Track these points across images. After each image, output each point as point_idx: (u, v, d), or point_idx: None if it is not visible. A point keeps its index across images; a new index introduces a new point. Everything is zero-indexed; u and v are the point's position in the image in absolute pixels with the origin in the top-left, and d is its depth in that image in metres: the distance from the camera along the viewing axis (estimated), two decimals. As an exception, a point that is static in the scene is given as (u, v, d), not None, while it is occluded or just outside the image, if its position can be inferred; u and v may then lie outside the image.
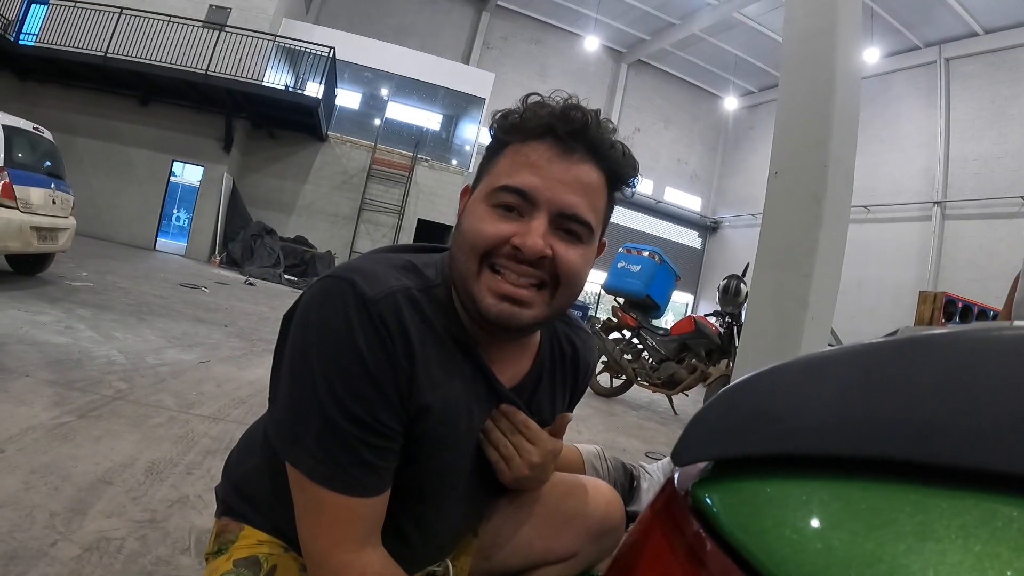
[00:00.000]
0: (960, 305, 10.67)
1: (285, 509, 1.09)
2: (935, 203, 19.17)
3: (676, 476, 0.63)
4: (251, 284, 13.67)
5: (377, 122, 21.96)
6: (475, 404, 1.15)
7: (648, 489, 1.84)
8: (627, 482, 1.83)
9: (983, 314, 9.49)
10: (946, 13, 18.36)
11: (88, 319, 6.06)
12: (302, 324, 1.03)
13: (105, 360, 4.70)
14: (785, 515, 0.47)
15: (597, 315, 10.96)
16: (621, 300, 8.73)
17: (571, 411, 1.39)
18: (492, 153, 1.12)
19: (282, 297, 12.67)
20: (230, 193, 18.43)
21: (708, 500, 0.54)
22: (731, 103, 28.39)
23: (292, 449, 1.02)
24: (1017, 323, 0.58)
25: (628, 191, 1.17)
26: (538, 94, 1.13)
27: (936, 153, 19.51)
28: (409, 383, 1.02)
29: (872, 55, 19.71)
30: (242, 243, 17.30)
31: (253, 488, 1.25)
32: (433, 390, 1.06)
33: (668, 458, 1.82)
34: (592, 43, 26.15)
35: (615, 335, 8.63)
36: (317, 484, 1.00)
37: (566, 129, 1.05)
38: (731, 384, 0.59)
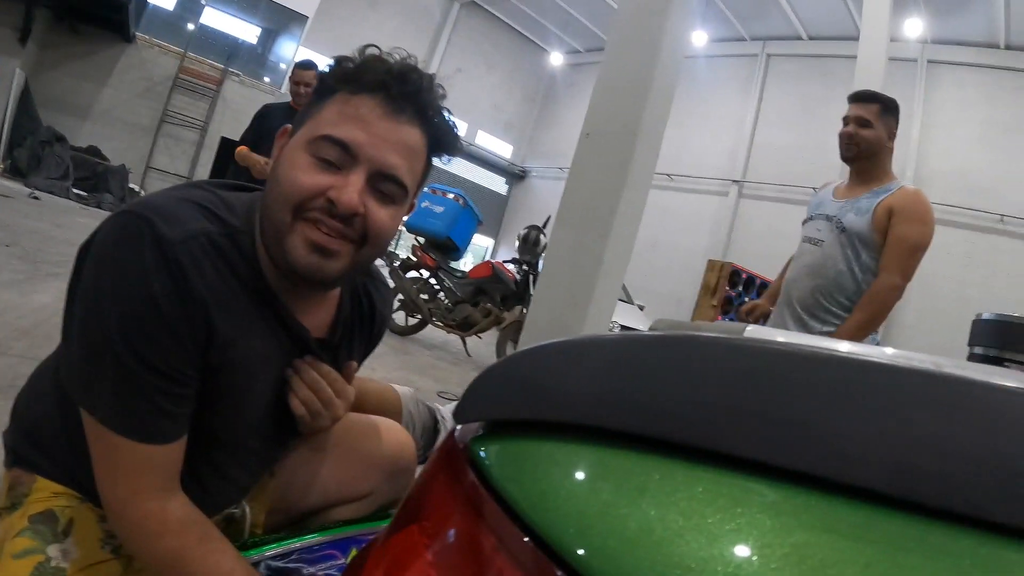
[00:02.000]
0: (744, 276, 11.55)
1: (80, 457, 1.05)
2: (734, 181, 20.66)
3: (457, 431, 0.71)
4: (36, 198, 12.58)
5: (190, 27, 20.35)
6: (276, 354, 1.15)
7: (442, 433, 1.90)
8: (432, 424, 1.88)
9: (763, 286, 10.28)
10: (777, 13, 19.65)
11: None
12: (95, 263, 0.98)
13: None
14: (546, 471, 0.57)
15: (396, 251, 10.96)
16: (422, 240, 8.80)
17: (363, 361, 1.42)
18: (319, 98, 1.10)
19: (70, 214, 11.86)
20: (21, 90, 16.69)
21: (482, 454, 0.62)
22: (556, 59, 28.72)
23: (86, 396, 1.00)
24: (748, 329, 0.73)
25: (445, 158, 1.21)
26: (376, 46, 1.14)
27: (743, 136, 21.01)
28: (207, 331, 1.01)
29: (700, 38, 20.92)
30: (29, 150, 15.80)
31: (45, 435, 1.18)
32: (232, 339, 1.05)
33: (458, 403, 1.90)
34: None
35: (413, 274, 8.71)
36: (113, 432, 0.98)
37: (400, 89, 1.06)
38: (509, 355, 0.67)
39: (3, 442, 1.25)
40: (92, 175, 15.95)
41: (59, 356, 1.17)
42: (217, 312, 1.01)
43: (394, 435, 1.52)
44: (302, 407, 1.18)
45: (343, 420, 1.27)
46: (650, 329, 0.73)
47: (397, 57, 1.12)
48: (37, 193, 13.24)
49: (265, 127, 4.87)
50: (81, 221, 11.04)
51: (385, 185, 1.06)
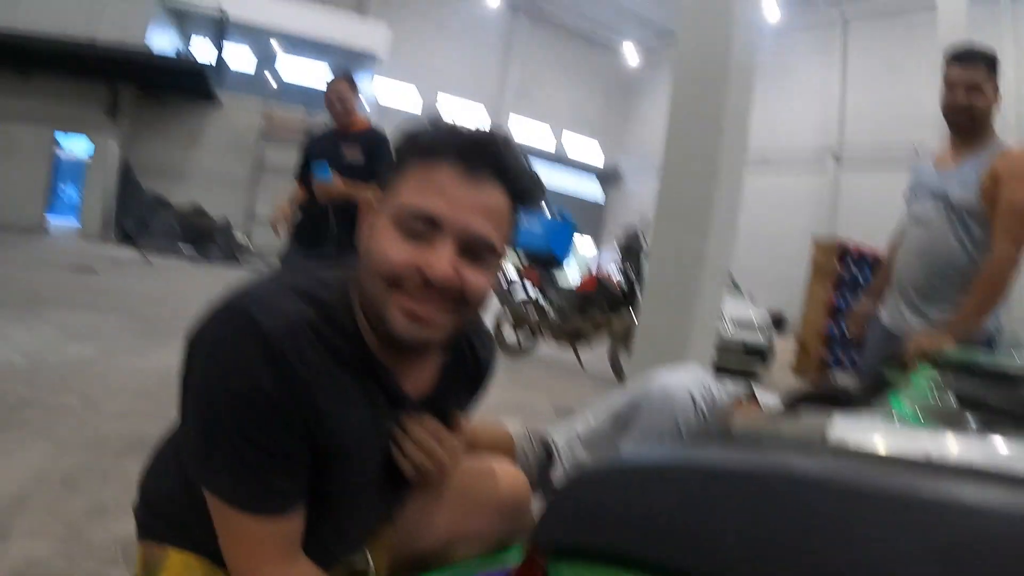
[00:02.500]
0: (855, 253, 11.14)
1: (207, 528, 1.08)
2: (831, 153, 19.91)
3: (537, 548, 0.75)
4: (148, 262, 13.27)
5: (270, 81, 21.37)
6: (382, 419, 1.17)
7: (557, 464, 1.89)
8: (546, 457, 1.87)
9: (876, 262, 9.89)
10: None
11: None
12: (203, 358, 1.02)
13: (4, 363, 4.60)
14: None
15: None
16: (524, 257, 8.86)
17: (471, 409, 1.44)
18: (398, 168, 1.11)
19: (181, 273, 12.37)
20: (120, 164, 17.73)
21: None
22: (630, 53, 28.61)
23: (206, 476, 1.04)
24: (833, 427, 0.73)
25: (534, 209, 1.18)
26: (448, 122, 1.13)
27: (831, 106, 20.35)
28: (313, 412, 1.02)
29: (773, 11, 20.28)
30: (136, 217, 16.69)
31: (172, 509, 1.23)
32: (338, 414, 1.06)
33: (571, 425, 1.97)
34: None
35: (519, 292, 8.76)
36: (233, 508, 1.02)
37: (475, 153, 1.05)
38: (583, 476, 0.70)
39: (134, 515, 1.32)
40: (198, 233, 16.70)
41: (178, 436, 1.23)
42: (322, 393, 1.03)
43: (508, 474, 1.57)
44: (410, 467, 1.22)
45: (459, 468, 1.32)
46: (730, 427, 0.89)
47: (467, 123, 1.12)
48: (148, 256, 13.96)
49: (313, 155, 4.60)
50: (192, 280, 11.53)
51: (475, 249, 1.06)
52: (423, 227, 1.03)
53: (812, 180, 20.50)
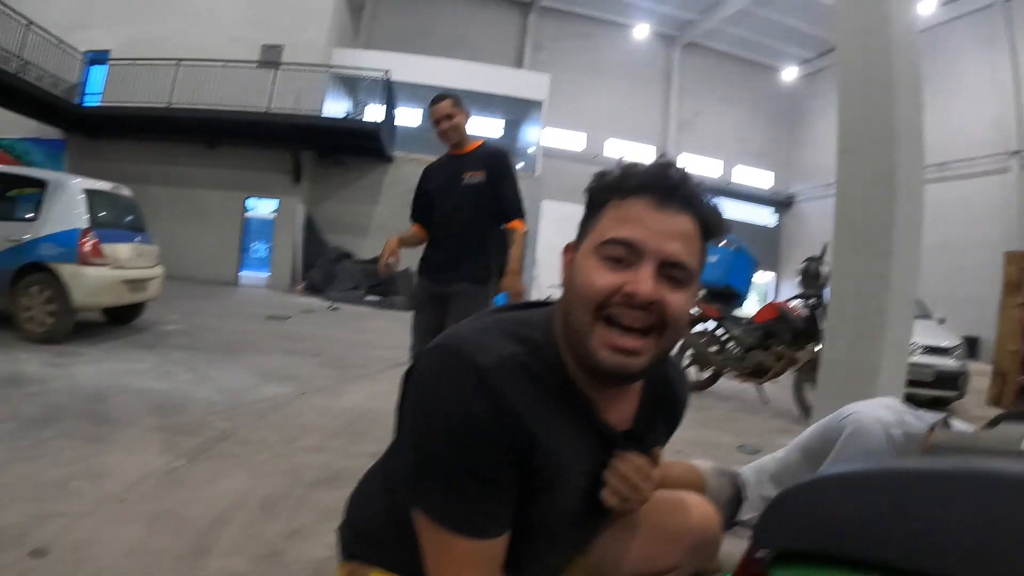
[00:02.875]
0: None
1: (411, 549, 1.18)
2: (1012, 153, 18.44)
3: (756, 551, 0.78)
4: (335, 309, 13.99)
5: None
6: (586, 449, 1.24)
7: (746, 500, 1.91)
8: (735, 494, 1.89)
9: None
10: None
11: (184, 362, 6.38)
12: (421, 391, 1.15)
13: (206, 401, 4.97)
14: None
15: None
16: (702, 292, 8.53)
17: (666, 442, 1.49)
18: (592, 211, 1.21)
19: (366, 319, 12.87)
20: (305, 222, 18.96)
21: None
22: (789, 73, 27.65)
23: (420, 500, 1.14)
24: None
25: (719, 239, 1.27)
26: (633, 161, 1.23)
27: (1006, 100, 18.61)
28: (524, 441, 1.12)
29: (927, 6, 18.99)
30: (322, 269, 17.73)
31: (378, 532, 1.36)
32: (547, 445, 1.15)
33: (760, 461, 1.95)
34: (642, 31, 26.05)
35: (699, 327, 8.51)
36: (443, 529, 1.11)
37: (662, 185, 1.15)
38: (808, 482, 0.74)
39: (338, 537, 1.45)
40: (381, 281, 17.37)
41: (387, 462, 1.39)
42: (531, 423, 1.12)
43: (699, 508, 1.58)
44: (613, 497, 1.28)
45: (652, 498, 1.36)
46: (929, 448, 0.75)
47: (652, 159, 1.23)
48: (335, 304, 14.82)
49: (430, 185, 4.24)
50: (377, 325, 12.02)
51: (673, 271, 1.12)
52: (624, 253, 1.12)
53: (994, 184, 18.87)
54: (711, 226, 1.19)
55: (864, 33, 4.86)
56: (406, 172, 19.87)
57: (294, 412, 4.98)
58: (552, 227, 21.04)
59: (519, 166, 21.89)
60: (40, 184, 7.23)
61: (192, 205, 18.32)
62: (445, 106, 4.00)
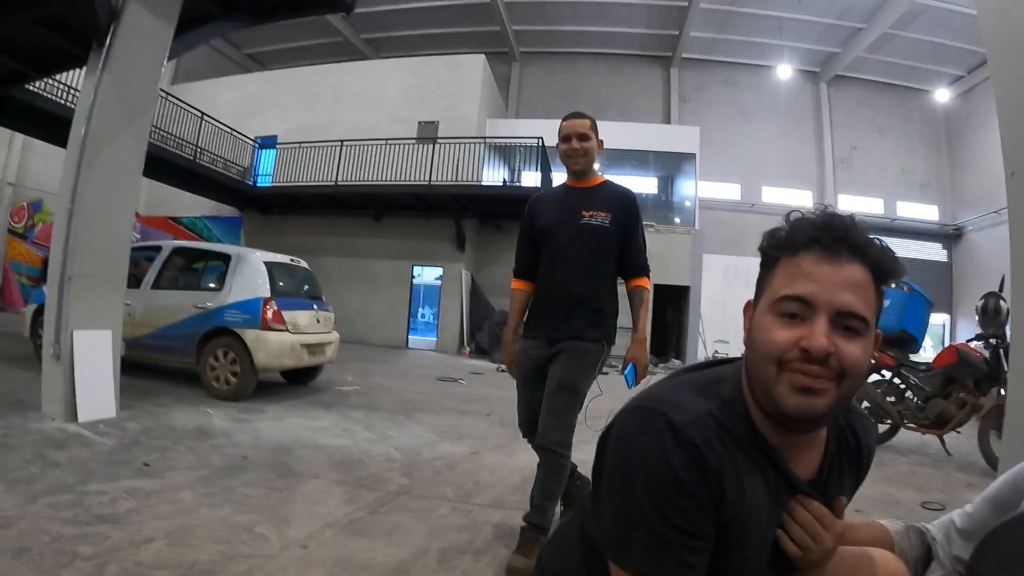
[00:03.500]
0: None
1: None
2: None
3: None
4: (502, 371, 14.05)
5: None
6: (773, 500, 1.27)
7: (937, 557, 1.74)
8: (925, 553, 1.75)
9: None
10: None
11: (362, 420, 6.75)
12: (622, 450, 1.20)
13: (384, 457, 5.22)
14: None
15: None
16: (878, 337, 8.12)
17: (852, 495, 1.48)
18: (766, 269, 1.27)
19: (533, 381, 13.04)
20: (470, 287, 19.60)
21: None
22: (942, 95, 25.79)
23: (621, 555, 1.19)
24: None
25: (893, 284, 1.29)
26: (798, 210, 1.29)
27: None
28: (720, 494, 1.16)
29: None
30: (488, 332, 18.21)
31: None
32: (740, 497, 1.19)
33: (948, 517, 1.89)
34: (785, 71, 25.50)
35: (875, 377, 8.10)
36: None
37: (830, 236, 1.18)
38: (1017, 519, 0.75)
39: None
40: (545, 342, 17.62)
41: (583, 519, 1.40)
42: (726, 476, 1.17)
43: (888, 565, 1.49)
44: (793, 544, 1.29)
45: (837, 553, 1.35)
46: None
47: (816, 210, 1.27)
48: (502, 366, 15.03)
49: (541, 223, 3.63)
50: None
51: (847, 321, 1.16)
52: (798, 308, 1.17)
53: None
54: (884, 271, 1.22)
55: (1016, 37, 4.56)
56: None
57: (470, 469, 5.11)
58: (715, 281, 20.78)
59: (676, 221, 21.90)
60: (225, 257, 8.13)
61: (362, 274, 19.50)
62: (582, 124, 3.49)
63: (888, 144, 26.69)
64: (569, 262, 3.47)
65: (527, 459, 5.32)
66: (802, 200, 25.35)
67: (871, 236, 1.21)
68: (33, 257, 20.73)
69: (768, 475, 1.26)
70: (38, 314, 8.48)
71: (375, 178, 18.13)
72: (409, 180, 17.98)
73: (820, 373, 1.15)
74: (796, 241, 1.21)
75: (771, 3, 23.49)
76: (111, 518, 3.33)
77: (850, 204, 25.13)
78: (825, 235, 1.18)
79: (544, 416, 3.37)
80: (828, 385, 1.16)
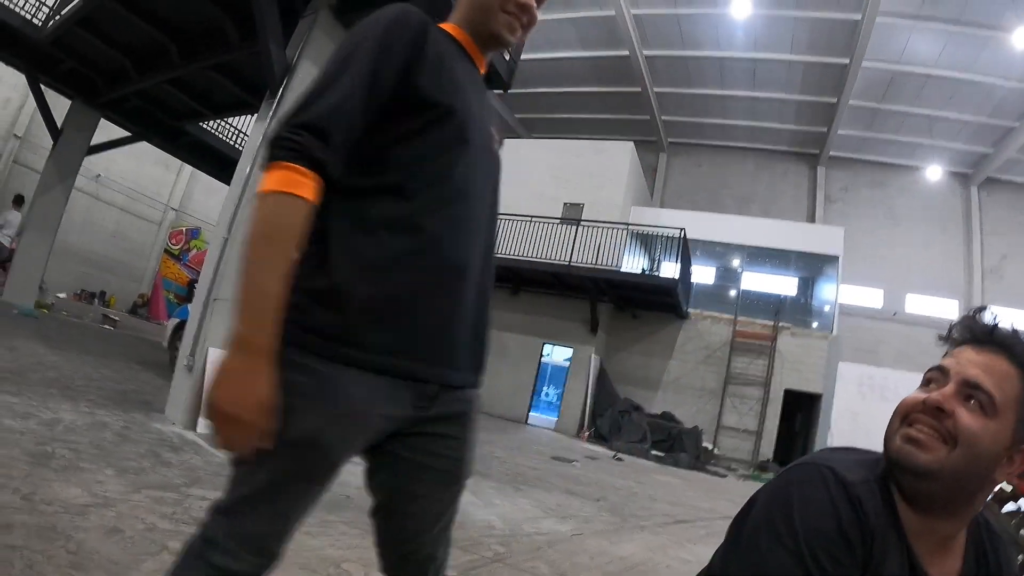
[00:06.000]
0: None
1: None
2: None
3: None
4: (619, 459, 14.03)
5: (733, 294, 22.16)
6: None
7: None
8: None
9: None
10: None
11: (469, 485, 6.57)
12: (783, 501, 1.27)
13: (485, 524, 5.15)
14: None
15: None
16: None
17: None
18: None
19: (649, 473, 12.76)
20: (598, 372, 19.53)
21: None
22: None
23: None
24: None
25: None
26: (966, 315, 1.39)
27: None
28: (868, 555, 1.22)
29: None
30: (610, 419, 18.02)
31: None
32: (881, 564, 1.22)
33: None
34: (934, 172, 24.92)
35: (1010, 507, 7.40)
36: None
37: (978, 328, 1.32)
38: None
39: None
40: (667, 437, 17.30)
41: (720, 569, 1.45)
42: (877, 541, 1.23)
43: None
44: None
45: None
46: None
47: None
48: (620, 455, 14.95)
49: (452, 99, 1.50)
50: (660, 479, 11.89)
51: (973, 392, 1.24)
52: (936, 376, 1.32)
53: None
54: None
55: None
56: (700, 329, 20.03)
57: (569, 550, 5.00)
58: (848, 390, 19.78)
59: (813, 325, 21.21)
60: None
61: (493, 345, 19.22)
62: None
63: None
64: (486, 216, 1.73)
65: (630, 549, 5.27)
66: (947, 310, 24.39)
67: (1020, 336, 1.30)
68: (183, 277, 22.85)
69: (904, 560, 1.27)
70: (178, 328, 9.17)
71: (517, 252, 18.40)
72: (549, 258, 18.14)
73: (930, 424, 1.25)
74: (954, 337, 1.36)
75: (922, 100, 22.95)
76: (207, 524, 3.40)
77: (1003, 316, 23.44)
78: (973, 326, 1.33)
79: (439, 540, 1.67)
80: (936, 444, 1.23)
